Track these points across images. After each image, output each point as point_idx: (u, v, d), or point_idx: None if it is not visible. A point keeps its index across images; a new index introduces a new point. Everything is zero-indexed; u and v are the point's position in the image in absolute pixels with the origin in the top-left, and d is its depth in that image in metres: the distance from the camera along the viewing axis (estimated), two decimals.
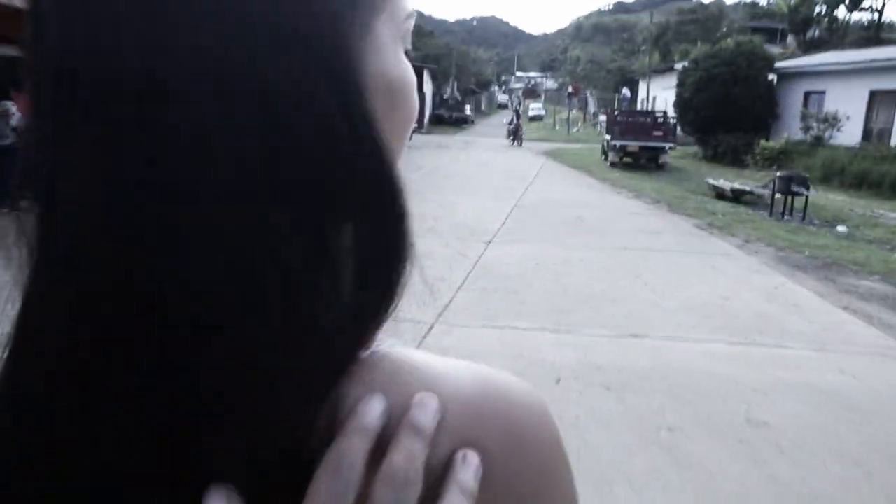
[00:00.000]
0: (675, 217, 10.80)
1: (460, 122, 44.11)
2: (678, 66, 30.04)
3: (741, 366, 4.34)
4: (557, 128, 44.39)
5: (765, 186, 14.34)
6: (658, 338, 4.84)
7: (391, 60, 0.39)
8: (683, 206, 11.87)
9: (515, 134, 29.86)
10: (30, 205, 0.33)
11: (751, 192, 13.11)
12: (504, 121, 42.25)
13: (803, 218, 11.27)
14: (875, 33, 43.54)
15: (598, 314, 5.38)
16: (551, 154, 23.69)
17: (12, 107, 8.63)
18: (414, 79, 0.41)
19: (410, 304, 0.39)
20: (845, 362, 4.41)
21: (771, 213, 11.63)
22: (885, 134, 19.93)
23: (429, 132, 35.56)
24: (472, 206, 10.55)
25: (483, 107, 68.71)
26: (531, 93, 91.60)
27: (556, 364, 4.22)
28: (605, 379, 4.06)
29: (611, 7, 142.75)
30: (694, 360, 4.42)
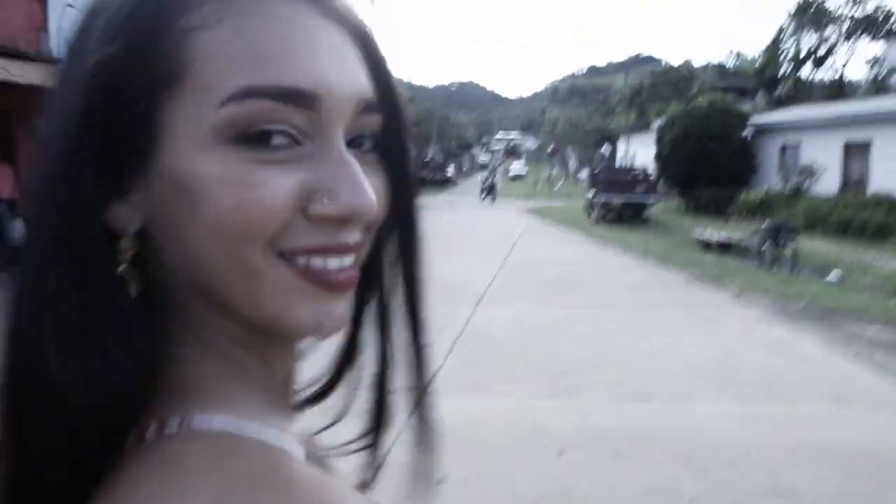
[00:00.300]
0: (664, 271, 10.61)
1: (443, 183, 44.42)
2: (655, 125, 30.70)
3: (756, 427, 4.02)
4: (539, 186, 44.85)
5: (752, 236, 14.31)
6: (663, 399, 4.53)
7: (187, 155, 0.35)
8: (671, 259, 11.71)
9: (490, 190, 29.43)
10: None
11: (737, 243, 13.01)
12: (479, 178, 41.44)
13: (793, 267, 11.12)
14: (839, 90, 45.00)
15: (597, 376, 5.07)
16: (536, 212, 23.69)
17: None
18: (239, 178, 0.35)
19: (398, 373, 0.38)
20: (867, 418, 4.11)
21: (760, 264, 11.48)
22: (861, 182, 20.21)
23: None
24: (458, 267, 10.29)
25: (465, 167, 69.58)
26: (512, 153, 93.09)
27: (557, 433, 3.88)
28: (612, 446, 3.72)
29: (584, 71, 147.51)
30: (705, 423, 4.09)
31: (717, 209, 22.02)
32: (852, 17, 45.49)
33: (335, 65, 0.37)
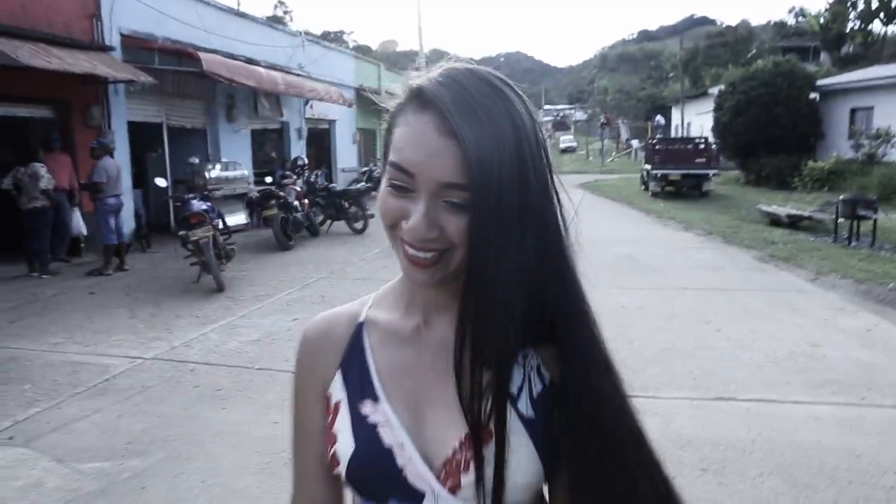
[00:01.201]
0: (732, 249, 10.08)
1: None
2: (712, 91, 29.35)
3: (860, 434, 3.66)
4: (591, 159, 43.83)
5: (822, 210, 13.52)
6: (748, 399, 4.18)
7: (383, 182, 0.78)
8: (738, 236, 11.14)
9: None
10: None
11: (809, 218, 12.31)
12: None
13: (872, 243, 10.43)
14: None
15: (672, 371, 4.75)
16: (588, 187, 23.09)
17: (41, 169, 8.46)
18: (383, 197, 0.75)
19: None
20: None
21: (835, 240, 10.81)
22: None
23: None
24: None
25: None
26: (561, 125, 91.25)
27: None
28: (698, 457, 3.42)
29: (635, 36, 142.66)
30: (799, 429, 3.75)
31: (781, 180, 20.98)
32: None
33: (428, 157, 0.69)
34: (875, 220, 10.52)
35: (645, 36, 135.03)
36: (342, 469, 0.78)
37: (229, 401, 4.27)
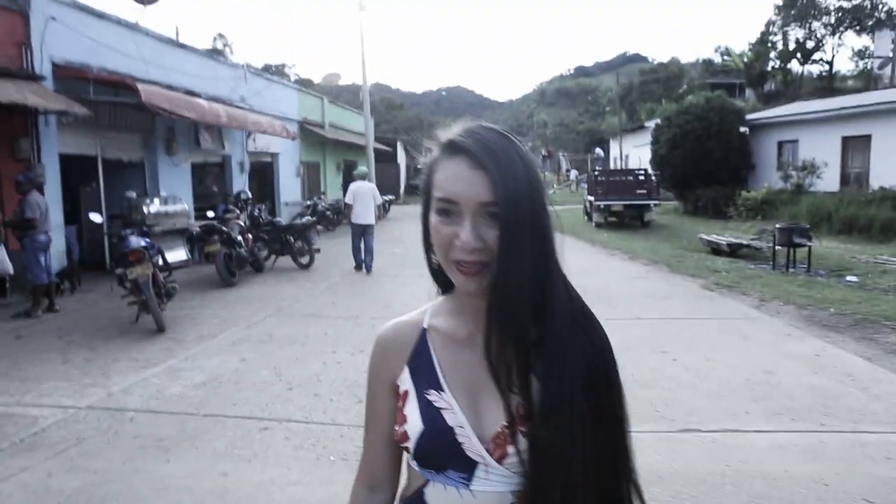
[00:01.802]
0: (678, 278, 10.27)
1: None
2: (648, 124, 30.39)
3: (824, 461, 3.66)
4: None
5: (759, 238, 14.01)
6: (713, 430, 4.16)
7: (432, 216, 1.00)
8: (683, 265, 11.39)
9: None
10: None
11: (748, 246, 12.72)
12: None
13: (808, 269, 10.83)
14: (828, 83, 44.91)
15: (634, 403, 4.67)
16: None
17: None
18: (435, 226, 0.99)
19: None
20: None
21: (774, 267, 11.18)
22: (862, 178, 19.97)
23: (405, 202, 35.30)
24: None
25: None
26: None
27: None
28: (671, 493, 3.35)
29: (572, 72, 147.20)
30: (765, 458, 3.73)
31: (717, 210, 21.73)
32: (840, 9, 45.43)
33: (467, 187, 0.94)
34: (809, 248, 10.94)
35: (581, 72, 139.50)
36: (411, 444, 1.01)
37: (173, 452, 3.97)
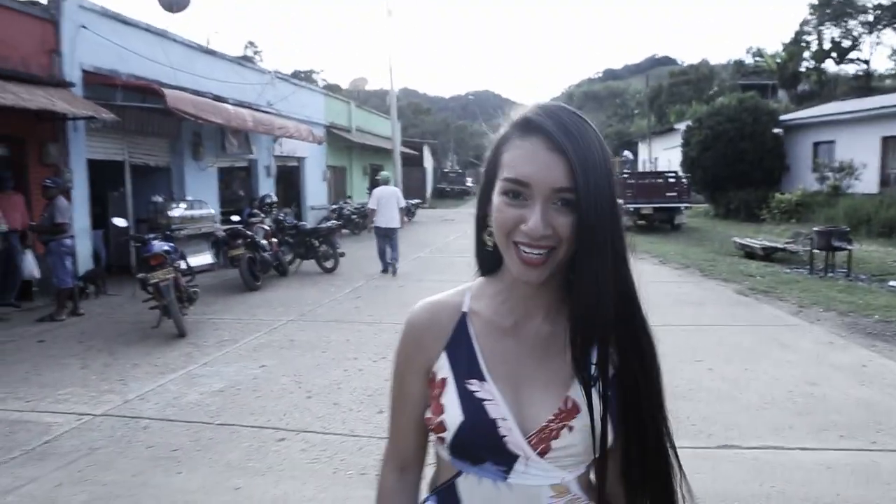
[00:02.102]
0: (711, 283, 9.93)
1: (462, 195, 43.90)
2: (678, 126, 29.85)
3: (878, 483, 3.38)
4: None
5: (794, 241, 13.57)
6: (754, 447, 3.89)
7: (496, 196, 0.96)
8: (716, 269, 11.03)
9: None
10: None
11: (783, 249, 12.29)
12: None
13: (847, 274, 10.41)
14: (865, 83, 43.76)
15: (673, 414, 4.43)
16: None
17: None
18: (500, 207, 0.94)
19: None
20: None
21: (811, 271, 10.77)
22: None
23: (431, 206, 35.21)
24: None
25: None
26: None
27: None
28: None
29: (600, 75, 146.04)
30: (813, 479, 3.46)
31: (750, 212, 21.20)
32: (878, 7, 44.29)
33: (541, 170, 0.88)
34: (850, 251, 10.52)
35: (610, 75, 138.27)
36: (448, 434, 0.96)
37: (186, 463, 3.83)
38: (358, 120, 24.53)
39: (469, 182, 47.30)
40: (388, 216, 11.39)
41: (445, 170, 48.06)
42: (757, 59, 50.81)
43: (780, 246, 12.52)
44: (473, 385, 0.97)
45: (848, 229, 10.88)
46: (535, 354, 0.98)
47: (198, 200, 12.64)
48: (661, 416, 1.02)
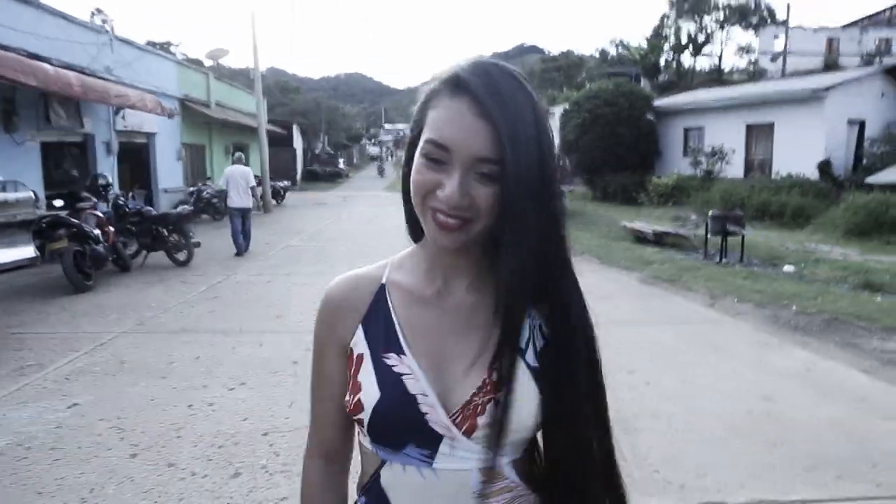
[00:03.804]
0: (612, 272, 9.27)
1: (334, 177, 41.98)
2: (553, 110, 29.86)
3: None
4: None
5: (682, 225, 13.40)
6: (732, 494, 2.97)
7: (418, 158, 0.88)
8: (612, 256, 10.44)
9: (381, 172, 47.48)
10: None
11: (674, 234, 11.98)
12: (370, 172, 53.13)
13: (741, 259, 10.17)
14: (718, 76, 46.67)
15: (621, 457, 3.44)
16: None
17: None
18: (418, 169, 0.86)
19: None
20: None
21: (705, 256, 10.46)
22: (765, 165, 20.14)
23: (302, 189, 33.15)
24: None
25: (355, 160, 67.09)
26: (401, 143, 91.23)
27: None
28: None
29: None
30: None
31: (627, 196, 21.33)
32: (727, 6, 47.34)
33: (464, 136, 0.80)
34: (743, 237, 10.28)
35: None
36: (366, 415, 0.87)
37: None
38: (218, 94, 22.14)
39: (341, 164, 45.44)
40: (239, 196, 11.38)
41: (317, 151, 45.81)
42: (621, 50, 52.79)
43: (671, 231, 12.22)
44: (391, 359, 0.89)
45: (742, 214, 10.67)
46: (458, 326, 0.91)
47: (11, 181, 10.34)
48: (601, 393, 0.94)
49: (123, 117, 14.83)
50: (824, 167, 17.93)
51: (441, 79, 0.85)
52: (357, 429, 0.94)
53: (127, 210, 10.37)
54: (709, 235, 10.40)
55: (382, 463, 0.89)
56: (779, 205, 15.70)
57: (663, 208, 18.68)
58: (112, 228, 9.40)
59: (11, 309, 7.16)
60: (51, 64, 10.97)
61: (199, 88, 20.33)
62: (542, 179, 0.81)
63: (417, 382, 0.86)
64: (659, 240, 11.91)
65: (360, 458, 0.95)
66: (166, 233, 10.14)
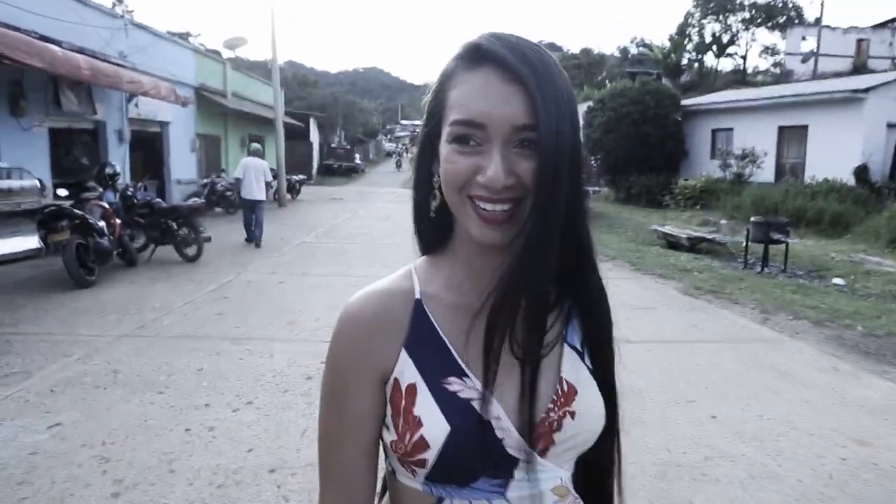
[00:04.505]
0: (648, 280, 8.64)
1: (350, 172, 41.48)
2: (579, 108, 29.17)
3: None
4: None
5: (716, 231, 12.74)
6: None
7: (443, 145, 0.79)
8: (645, 262, 9.81)
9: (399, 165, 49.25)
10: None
11: (710, 240, 11.32)
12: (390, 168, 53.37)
13: (784, 269, 9.51)
14: (742, 77, 45.79)
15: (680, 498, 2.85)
16: None
17: None
18: (449, 158, 0.76)
19: None
20: None
21: (745, 265, 9.81)
22: (797, 169, 19.35)
23: (318, 183, 32.69)
24: None
25: (371, 155, 66.63)
26: (416, 140, 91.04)
27: None
28: None
29: None
30: None
31: (651, 198, 20.64)
32: (753, 6, 46.40)
33: (497, 105, 0.71)
34: (787, 245, 9.61)
35: None
36: (432, 454, 0.74)
37: None
38: (235, 84, 21.68)
39: (358, 159, 44.94)
40: (254, 187, 11.42)
41: (333, 145, 45.28)
42: (641, 48, 51.97)
43: (706, 236, 11.55)
44: (453, 384, 0.77)
45: (786, 221, 9.98)
46: None
47: (17, 168, 9.90)
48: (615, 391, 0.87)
49: (137, 105, 14.37)
50: (861, 172, 17.14)
51: (456, 55, 0.77)
52: (401, 472, 0.80)
53: (136, 201, 9.87)
54: (749, 243, 9.75)
55: (439, 501, 0.78)
56: (815, 211, 14.94)
57: (690, 212, 17.99)
58: (118, 221, 8.90)
59: (9, 304, 6.67)
60: (60, 47, 10.49)
61: (215, 77, 19.88)
62: (573, 147, 0.73)
63: (488, 405, 0.75)
64: (692, 246, 11.25)
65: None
66: (176, 226, 9.63)
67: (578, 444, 0.80)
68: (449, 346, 0.79)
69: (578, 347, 0.82)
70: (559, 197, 0.71)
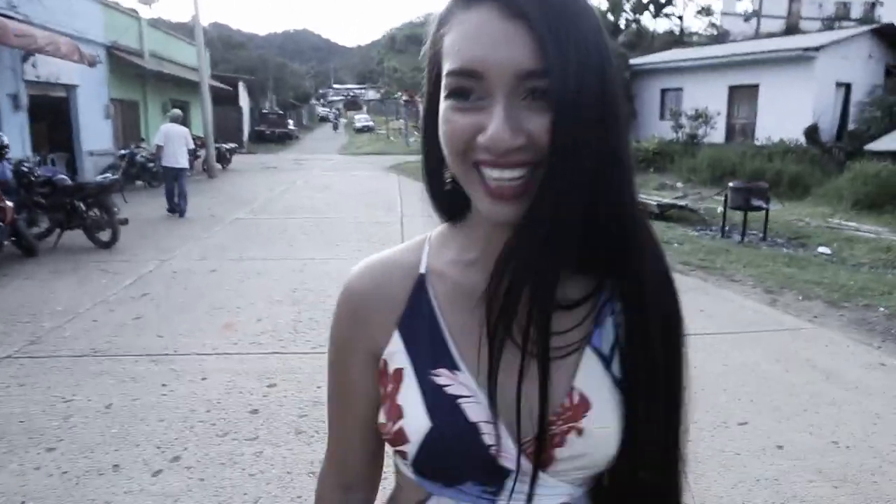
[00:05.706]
0: None
1: (284, 139, 39.46)
2: None
3: None
4: (392, 139, 41.31)
5: (683, 196, 12.13)
6: None
7: (442, 100, 0.64)
8: None
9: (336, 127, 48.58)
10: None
11: (681, 207, 10.66)
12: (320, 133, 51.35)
13: (764, 237, 8.92)
14: (679, 38, 45.81)
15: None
16: (400, 170, 20.30)
17: None
18: (445, 117, 0.61)
19: None
20: None
21: (723, 234, 9.18)
22: (748, 129, 19.08)
23: (250, 151, 30.76)
24: (338, 265, 6.81)
25: (305, 121, 64.16)
26: (353, 104, 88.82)
27: None
28: None
29: (421, 19, 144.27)
30: None
31: None
32: None
33: (494, 47, 0.56)
34: (767, 212, 9.01)
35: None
36: (411, 448, 0.66)
37: None
38: (153, 43, 19.65)
39: (291, 125, 42.88)
40: (177, 154, 10.86)
41: (265, 111, 42.97)
42: None
43: (677, 203, 10.88)
44: (441, 377, 0.66)
45: (766, 186, 9.35)
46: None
47: None
48: (676, 416, 0.68)
49: (35, 65, 12.53)
50: (812, 132, 16.94)
51: None
52: (394, 454, 0.70)
53: (34, 178, 8.36)
54: (727, 210, 9.10)
55: (428, 496, 0.69)
56: (773, 173, 14.57)
57: (645, 175, 17.45)
58: (9, 203, 7.44)
59: None
60: None
61: (130, 35, 17.87)
62: (602, 97, 0.57)
63: (479, 407, 0.64)
64: (662, 213, 10.58)
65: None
66: (84, 207, 8.23)
67: (586, 465, 0.65)
68: (445, 332, 0.68)
69: (606, 352, 0.66)
70: (581, 160, 0.56)
